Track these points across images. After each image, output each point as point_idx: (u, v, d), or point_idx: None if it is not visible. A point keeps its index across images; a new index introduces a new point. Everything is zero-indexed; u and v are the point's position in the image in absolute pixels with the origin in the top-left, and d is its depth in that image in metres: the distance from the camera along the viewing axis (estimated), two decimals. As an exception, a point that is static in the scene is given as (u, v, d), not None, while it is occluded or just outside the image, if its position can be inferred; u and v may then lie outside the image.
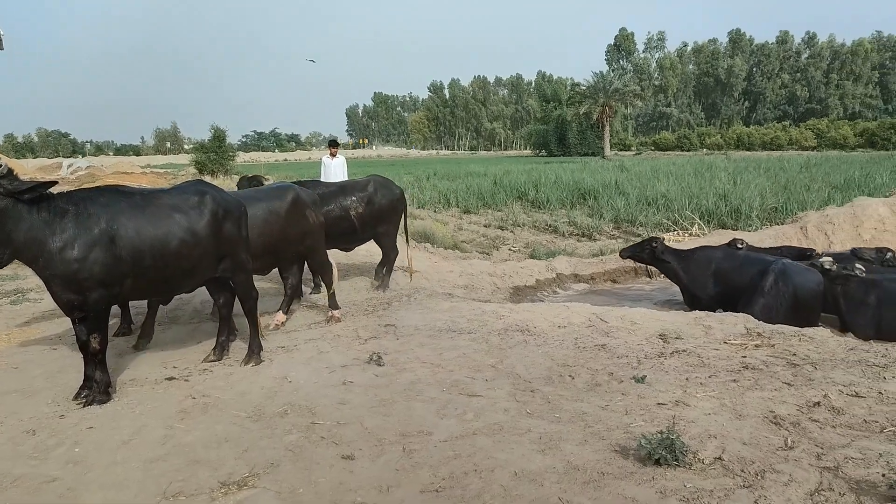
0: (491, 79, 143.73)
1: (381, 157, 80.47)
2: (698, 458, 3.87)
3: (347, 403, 4.98)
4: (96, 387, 5.10)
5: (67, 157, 62.81)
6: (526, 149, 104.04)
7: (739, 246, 9.80)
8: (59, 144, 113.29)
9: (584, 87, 70.84)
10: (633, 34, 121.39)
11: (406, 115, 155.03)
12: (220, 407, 4.93)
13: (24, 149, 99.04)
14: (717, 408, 4.69)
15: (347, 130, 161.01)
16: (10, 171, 4.70)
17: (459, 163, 52.71)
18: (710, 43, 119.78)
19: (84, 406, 4.97)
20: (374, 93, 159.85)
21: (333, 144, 13.68)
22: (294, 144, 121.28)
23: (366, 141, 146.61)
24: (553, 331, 6.86)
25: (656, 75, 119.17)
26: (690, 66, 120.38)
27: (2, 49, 18.45)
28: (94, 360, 5.11)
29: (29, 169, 40.27)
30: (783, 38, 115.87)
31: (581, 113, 70.30)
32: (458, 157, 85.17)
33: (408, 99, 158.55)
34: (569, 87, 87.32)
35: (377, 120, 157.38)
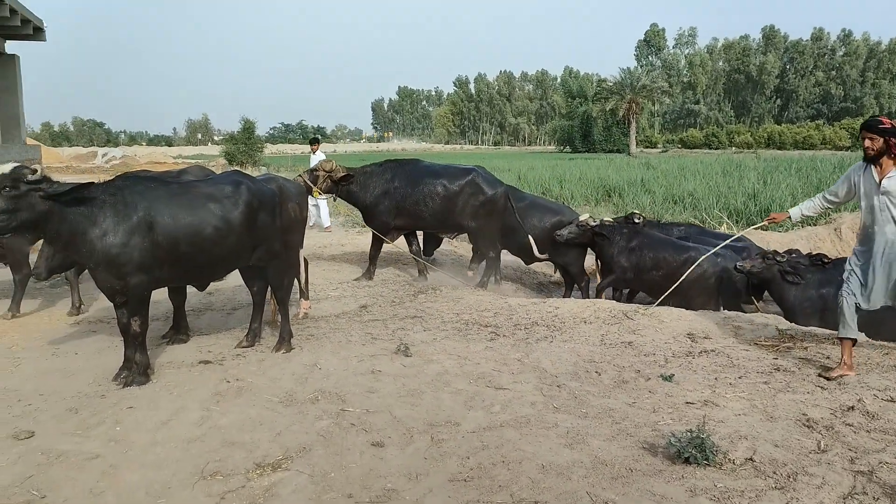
0: (517, 74, 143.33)
1: (404, 151, 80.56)
2: (729, 459, 3.89)
3: (376, 392, 5.07)
4: (136, 368, 5.25)
5: (102, 147, 63.90)
6: (550, 144, 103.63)
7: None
8: (93, 134, 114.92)
9: (610, 83, 70.34)
10: (663, 30, 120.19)
11: (431, 109, 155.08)
12: (254, 391, 5.05)
13: (59, 137, 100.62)
14: (747, 409, 4.70)
15: (373, 124, 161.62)
16: (46, 177, 4.91)
17: (483, 157, 52.61)
18: (742, 39, 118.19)
19: (124, 386, 5.13)
20: (400, 87, 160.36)
21: (314, 142, 14.33)
22: (320, 137, 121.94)
23: (390, 135, 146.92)
24: (579, 327, 6.89)
25: (685, 72, 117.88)
26: (721, 63, 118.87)
27: (45, 40, 18.79)
28: (135, 342, 5.27)
29: (65, 157, 41.06)
30: (818, 35, 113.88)
31: (607, 109, 69.79)
32: (482, 152, 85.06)
33: (433, 93, 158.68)
34: (595, 83, 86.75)
35: (402, 114, 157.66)
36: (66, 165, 35.93)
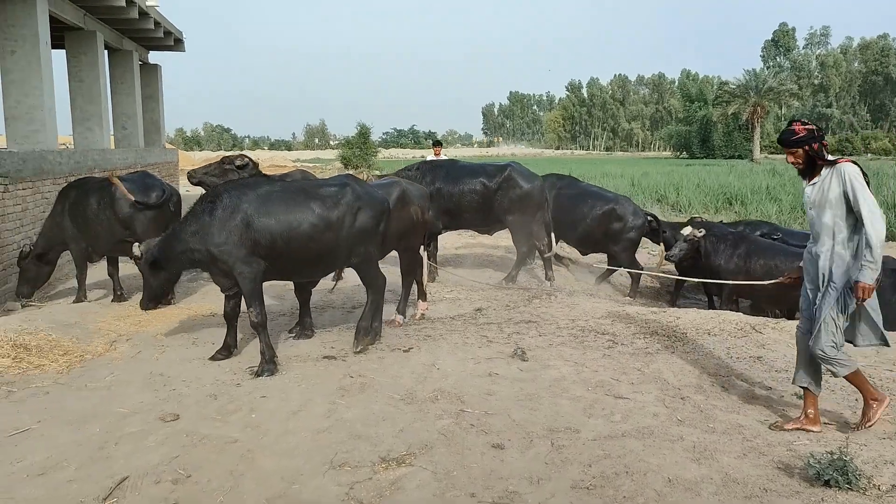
0: (632, 77, 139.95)
1: (513, 156, 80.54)
2: (873, 484, 3.65)
3: (494, 395, 5.11)
4: (262, 358, 5.60)
5: (229, 151, 68.02)
6: (665, 150, 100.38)
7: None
8: (221, 139, 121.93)
9: (733, 86, 67.18)
10: (793, 30, 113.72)
11: (541, 114, 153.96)
12: (376, 388, 5.20)
13: (191, 142, 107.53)
14: (891, 433, 4.38)
15: (483, 129, 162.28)
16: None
17: (594, 163, 51.74)
18: (880, 39, 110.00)
19: (256, 376, 5.44)
20: (511, 92, 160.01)
21: (437, 144, 14.34)
22: (431, 142, 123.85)
23: (499, 139, 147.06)
24: (702, 338, 6.65)
25: (817, 73, 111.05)
26: (856, 64, 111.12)
27: (184, 51, 20.18)
28: (257, 332, 5.69)
29: (196, 160, 43.78)
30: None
31: (729, 113, 66.77)
32: (594, 158, 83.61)
33: (544, 98, 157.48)
34: (716, 86, 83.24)
35: (512, 119, 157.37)
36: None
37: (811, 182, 4.48)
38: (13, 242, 8.70)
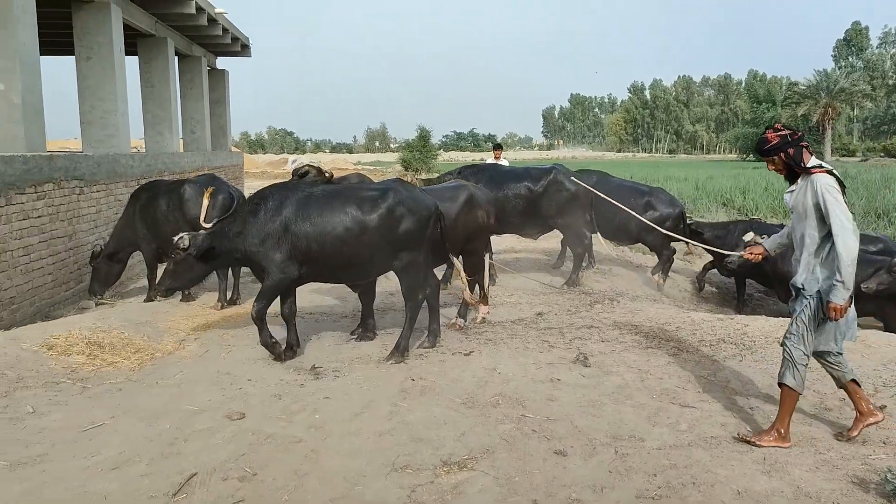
0: (696, 78, 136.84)
1: (574, 159, 79.71)
2: (957, 502, 3.46)
3: (556, 400, 5.05)
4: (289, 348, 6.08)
5: (291, 154, 69.61)
6: (731, 153, 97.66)
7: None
8: (284, 142, 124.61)
9: (803, 87, 65.00)
10: (867, 28, 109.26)
11: (603, 116, 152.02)
12: (437, 391, 5.21)
13: (255, 145, 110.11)
14: (978, 449, 4.15)
15: (543, 131, 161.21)
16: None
17: (658, 166, 50.75)
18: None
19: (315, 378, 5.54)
20: (571, 94, 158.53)
21: (498, 148, 14.28)
22: (490, 145, 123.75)
23: (560, 142, 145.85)
24: (772, 346, 6.41)
25: (891, 73, 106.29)
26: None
27: (250, 56, 20.72)
28: (256, 325, 5.98)
29: (259, 163, 44.90)
30: None
31: (798, 115, 64.54)
32: (656, 160, 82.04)
33: (606, 100, 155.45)
34: (784, 87, 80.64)
35: (573, 121, 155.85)
36: (261, 171, 39.26)
37: (789, 189, 4.41)
38: (87, 242, 9.08)
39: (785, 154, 4.25)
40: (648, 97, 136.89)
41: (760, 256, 4.93)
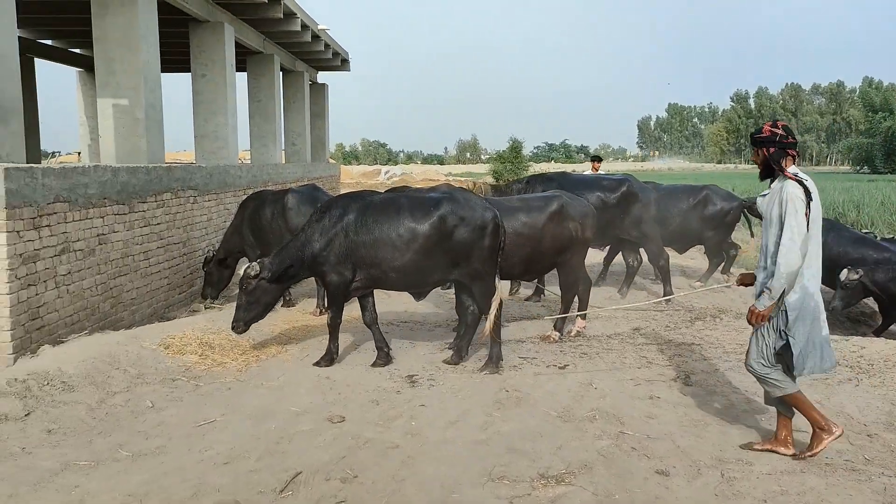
0: (806, 86, 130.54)
1: (671, 171, 77.46)
2: None
3: (656, 418, 4.92)
4: (326, 352, 6.21)
5: (384, 165, 71.23)
6: (844, 164, 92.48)
7: None
8: (377, 153, 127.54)
9: (924, 95, 60.92)
10: None
11: (702, 126, 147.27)
12: (531, 403, 5.18)
13: (349, 156, 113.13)
14: None
15: (638, 143, 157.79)
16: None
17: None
18: None
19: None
20: (669, 104, 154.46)
21: (596, 159, 14.07)
22: (583, 156, 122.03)
23: (655, 153, 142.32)
24: (891, 371, 6.02)
25: None
26: None
27: (349, 70, 21.37)
28: (329, 331, 6.21)
29: (354, 174, 46.12)
30: None
31: (918, 124, 60.53)
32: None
33: (706, 110, 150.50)
34: (903, 95, 75.87)
35: (670, 132, 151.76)
36: (355, 182, 40.31)
37: (762, 193, 4.43)
38: (199, 248, 9.58)
39: (767, 150, 4.27)
40: (752, 106, 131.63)
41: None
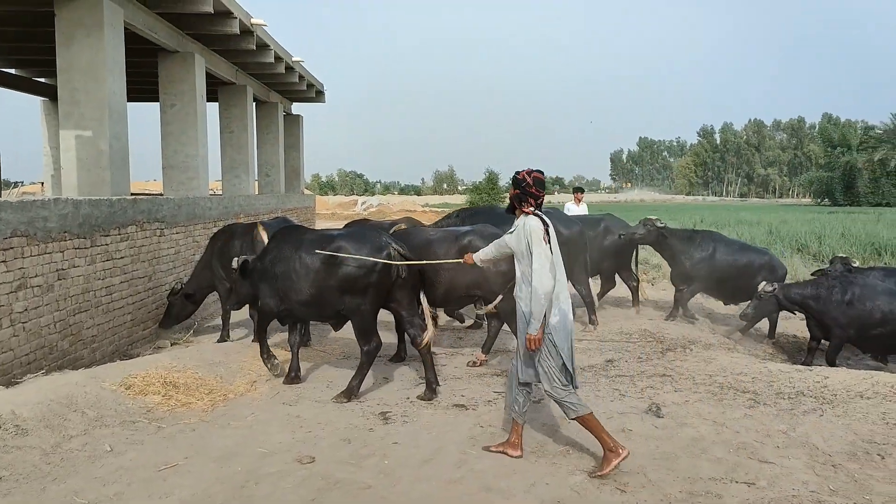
0: (768, 122, 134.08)
1: (643, 202, 78.65)
2: None
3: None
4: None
5: (361, 195, 71.34)
6: (805, 196, 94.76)
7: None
8: (354, 183, 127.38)
9: (879, 131, 62.94)
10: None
11: (672, 160, 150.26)
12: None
13: (326, 187, 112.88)
14: None
15: (611, 174, 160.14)
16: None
17: (728, 209, 49.51)
18: None
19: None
20: (640, 137, 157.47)
21: (578, 191, 14.34)
22: (558, 187, 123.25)
23: (628, 185, 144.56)
24: (854, 401, 6.09)
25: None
26: None
27: (324, 102, 21.41)
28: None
29: (330, 205, 46.05)
30: None
31: (875, 160, 62.31)
32: (727, 204, 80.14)
33: (675, 143, 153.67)
34: (860, 131, 78.14)
35: (641, 165, 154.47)
36: (331, 212, 40.19)
37: (510, 230, 4.86)
38: (166, 283, 9.41)
39: (514, 190, 4.79)
40: (718, 141, 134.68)
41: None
